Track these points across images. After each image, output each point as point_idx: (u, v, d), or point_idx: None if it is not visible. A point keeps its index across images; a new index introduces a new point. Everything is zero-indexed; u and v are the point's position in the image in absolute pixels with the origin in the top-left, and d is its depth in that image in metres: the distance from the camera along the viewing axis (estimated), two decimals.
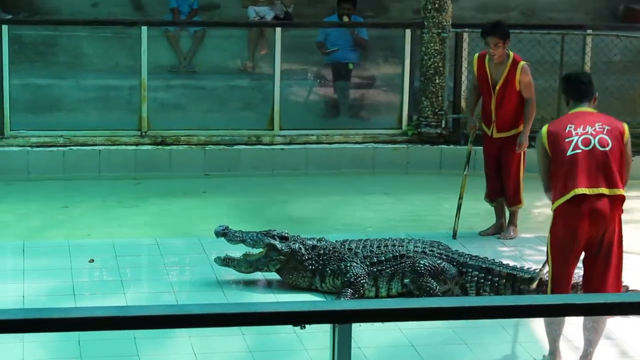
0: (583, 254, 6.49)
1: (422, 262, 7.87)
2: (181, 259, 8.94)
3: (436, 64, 11.39)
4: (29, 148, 11.10)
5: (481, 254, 8.16)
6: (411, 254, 7.97)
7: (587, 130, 6.28)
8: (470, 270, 7.86)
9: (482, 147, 9.06)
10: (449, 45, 11.35)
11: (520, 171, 8.89)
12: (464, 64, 11.44)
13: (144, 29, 11.34)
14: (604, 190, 6.22)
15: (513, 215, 8.91)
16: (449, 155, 11.23)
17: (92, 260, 8.47)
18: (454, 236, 8.92)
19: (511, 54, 8.73)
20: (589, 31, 11.78)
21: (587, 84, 6.70)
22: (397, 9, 14.93)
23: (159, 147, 11.38)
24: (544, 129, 6.42)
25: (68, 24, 13.73)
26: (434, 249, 8.08)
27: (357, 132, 11.84)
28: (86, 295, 7.84)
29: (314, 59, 13.18)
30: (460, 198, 9.02)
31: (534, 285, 7.24)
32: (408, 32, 11.63)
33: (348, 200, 10.89)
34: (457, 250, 8.21)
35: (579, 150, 6.26)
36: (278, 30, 11.85)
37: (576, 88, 6.67)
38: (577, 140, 6.27)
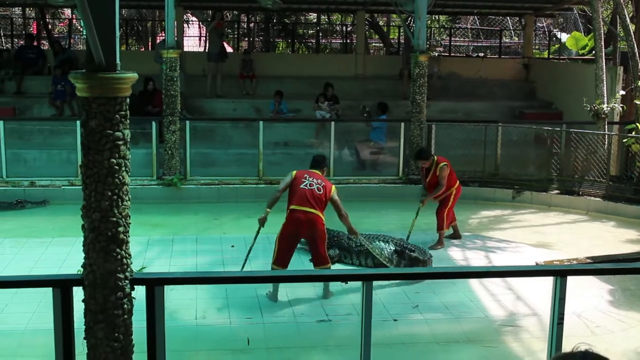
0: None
1: (387, 247, 9.32)
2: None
3: (417, 141, 14.18)
4: (199, 186, 13.57)
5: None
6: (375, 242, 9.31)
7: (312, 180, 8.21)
8: (404, 249, 9.44)
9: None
10: (424, 131, 14.32)
11: (446, 207, 10.46)
12: (432, 143, 14.05)
13: (261, 123, 14.30)
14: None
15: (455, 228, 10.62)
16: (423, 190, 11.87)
17: (232, 246, 10.30)
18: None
19: (436, 158, 10.65)
20: (500, 124, 14.62)
21: (319, 159, 8.65)
22: (396, 111, 17.52)
23: (268, 185, 13.45)
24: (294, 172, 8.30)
25: (220, 120, 16.96)
26: (388, 239, 9.58)
27: (375, 178, 14.57)
28: (230, 265, 9.35)
29: (350, 138, 15.90)
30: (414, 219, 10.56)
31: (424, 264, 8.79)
32: (402, 124, 14.55)
33: (369, 214, 12.63)
34: (401, 239, 9.77)
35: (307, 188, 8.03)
36: (332, 123, 14.80)
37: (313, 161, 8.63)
38: (307, 183, 8.16)
